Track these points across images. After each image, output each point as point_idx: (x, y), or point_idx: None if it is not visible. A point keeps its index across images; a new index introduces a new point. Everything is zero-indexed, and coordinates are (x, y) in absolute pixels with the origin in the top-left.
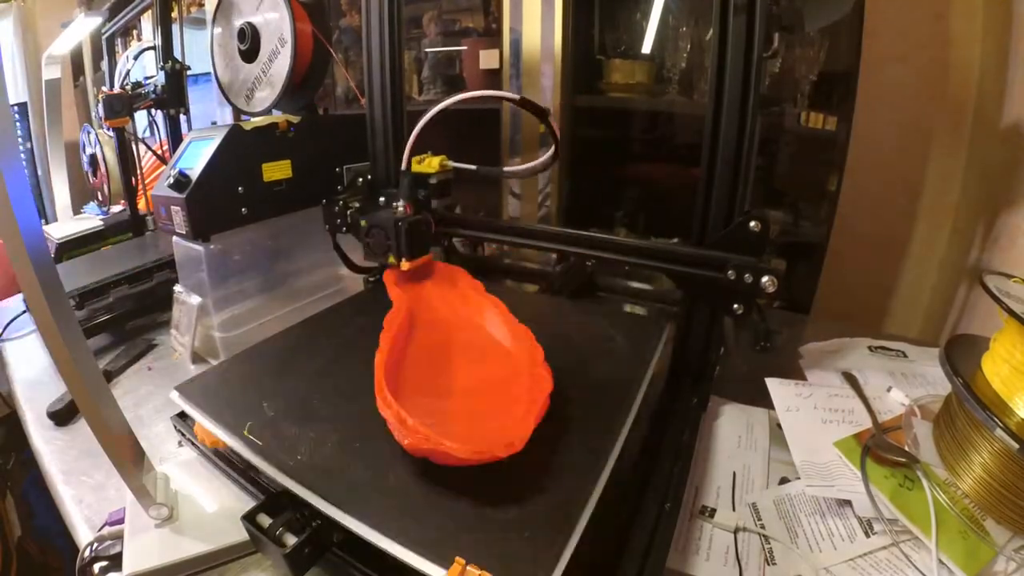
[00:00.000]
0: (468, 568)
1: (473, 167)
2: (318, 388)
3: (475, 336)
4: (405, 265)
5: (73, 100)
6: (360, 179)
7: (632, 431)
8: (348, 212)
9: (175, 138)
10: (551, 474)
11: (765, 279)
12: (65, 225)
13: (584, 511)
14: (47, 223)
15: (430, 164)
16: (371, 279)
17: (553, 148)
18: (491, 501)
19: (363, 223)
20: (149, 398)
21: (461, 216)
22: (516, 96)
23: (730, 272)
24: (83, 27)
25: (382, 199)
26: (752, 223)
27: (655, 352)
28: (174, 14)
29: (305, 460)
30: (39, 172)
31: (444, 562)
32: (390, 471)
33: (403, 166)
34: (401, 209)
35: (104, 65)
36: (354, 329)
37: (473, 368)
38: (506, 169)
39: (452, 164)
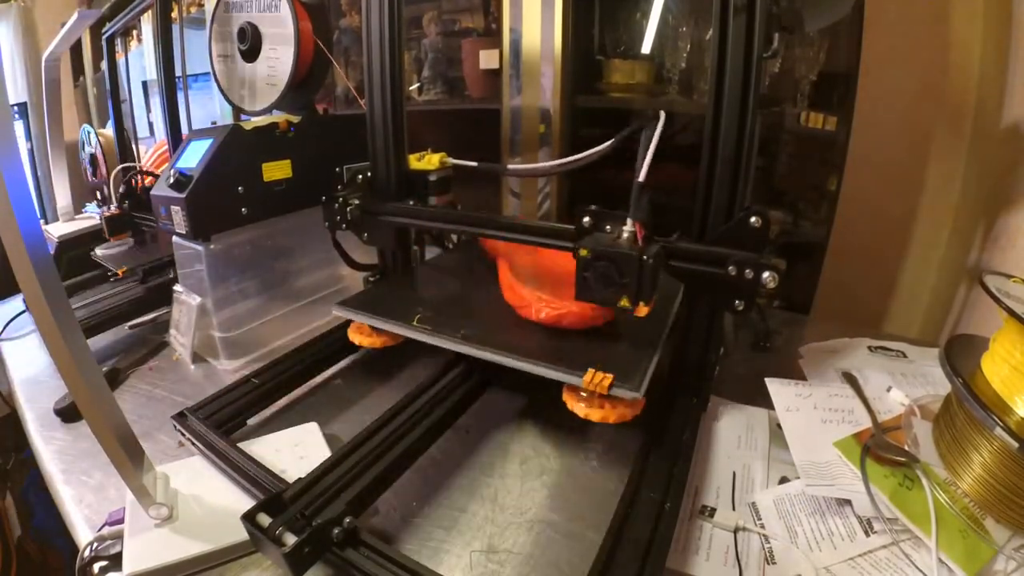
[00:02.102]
0: (596, 374)
1: (474, 164)
2: (452, 298)
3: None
4: (643, 311)
5: (73, 100)
6: (360, 176)
7: (631, 432)
8: (349, 210)
9: (175, 138)
10: (631, 332)
11: (766, 275)
12: (65, 224)
13: (657, 347)
14: (47, 223)
15: (430, 161)
16: (371, 278)
17: (567, 159)
18: (599, 345)
19: (584, 252)
20: (149, 397)
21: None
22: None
23: (731, 268)
24: (79, 25)
25: (586, 219)
26: (753, 219)
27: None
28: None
29: (467, 334)
30: (39, 172)
31: (581, 372)
32: (529, 335)
33: (640, 178)
34: (632, 232)
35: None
36: (461, 271)
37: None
38: (510, 167)
39: (452, 161)
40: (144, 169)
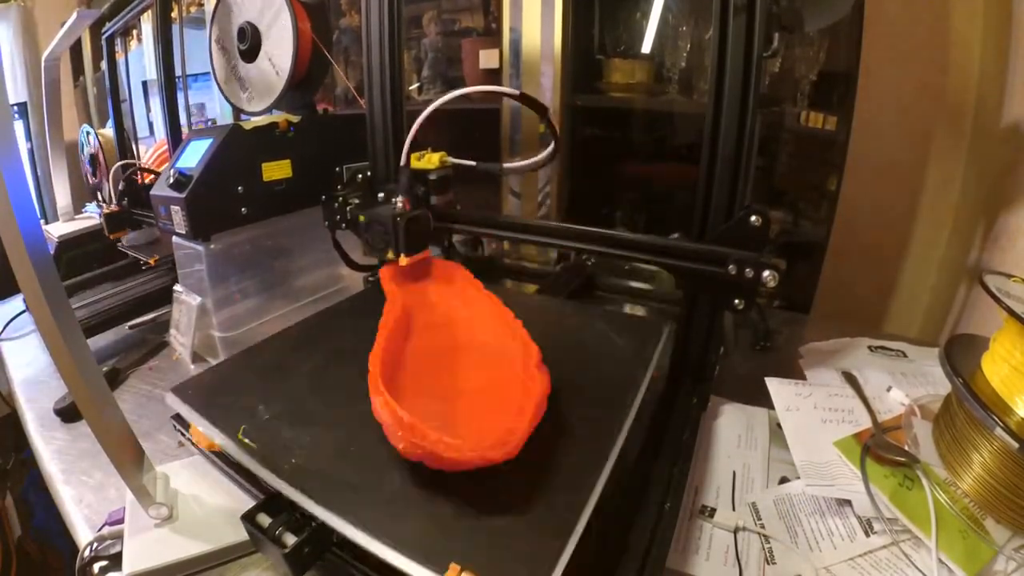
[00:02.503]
0: (463, 574)
1: (472, 163)
2: (315, 390)
3: (473, 336)
4: (403, 260)
5: (73, 100)
6: (359, 176)
7: (631, 433)
8: (348, 208)
9: (175, 138)
10: (548, 479)
11: (766, 273)
12: (65, 224)
13: (581, 517)
14: (47, 223)
15: (430, 160)
16: (371, 278)
17: (553, 144)
18: (488, 506)
19: (362, 218)
20: (149, 397)
21: (461, 212)
22: (515, 92)
23: (731, 267)
24: (79, 24)
25: (381, 195)
26: (753, 218)
27: (654, 355)
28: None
29: (300, 463)
30: (39, 172)
31: (440, 568)
32: (386, 476)
33: (402, 162)
34: (400, 205)
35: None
36: (353, 330)
37: (472, 370)
38: (505, 165)
39: (451, 160)
40: (143, 166)
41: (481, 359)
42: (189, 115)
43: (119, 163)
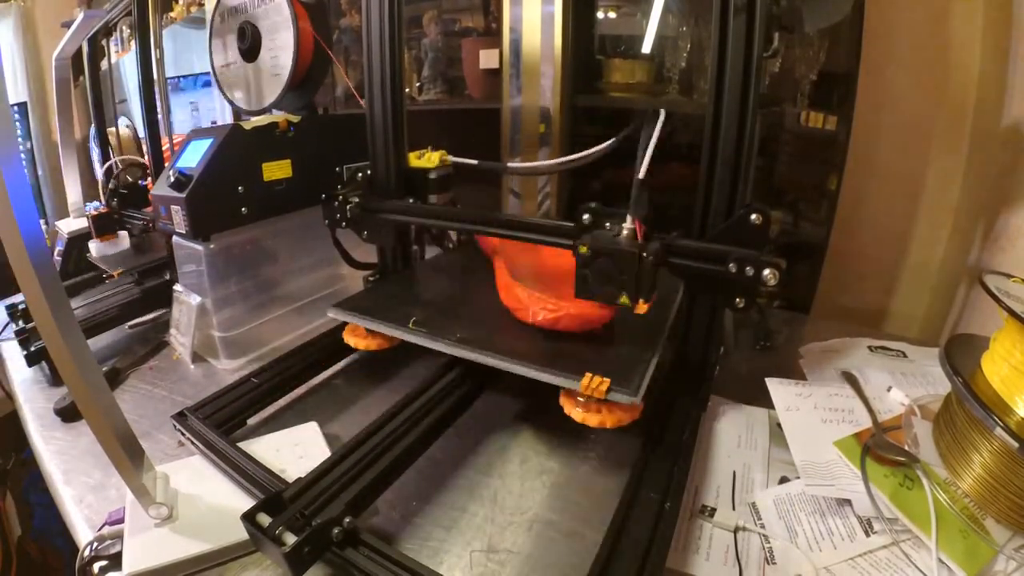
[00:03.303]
0: (593, 378)
1: (474, 162)
2: (448, 300)
3: (558, 259)
4: (642, 308)
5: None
6: (359, 174)
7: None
8: (349, 207)
9: (154, 146)
10: (629, 335)
11: (766, 272)
12: (76, 221)
13: (656, 350)
14: (47, 223)
15: (430, 159)
16: (371, 277)
17: (568, 158)
18: (597, 348)
19: (583, 249)
20: (149, 397)
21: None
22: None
23: (731, 265)
24: (86, 24)
25: (586, 216)
26: (753, 216)
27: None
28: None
29: (463, 336)
30: (39, 172)
31: (578, 377)
32: (526, 339)
33: (640, 175)
34: (631, 230)
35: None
36: (458, 272)
37: (564, 274)
38: (510, 165)
39: (452, 159)
40: (136, 160)
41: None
42: (169, 118)
43: (107, 163)
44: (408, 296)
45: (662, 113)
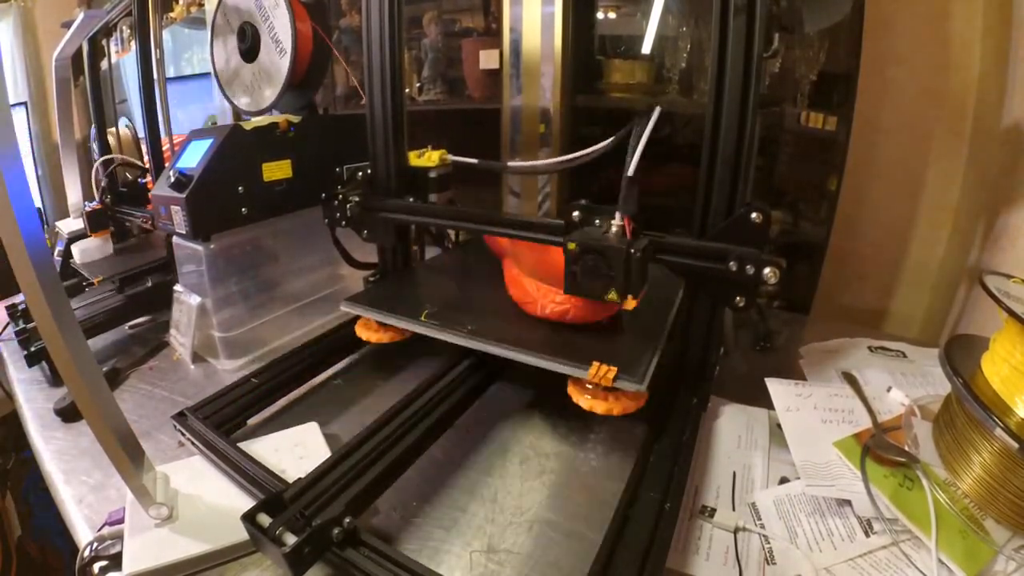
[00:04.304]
0: (600, 367)
1: (474, 161)
2: (456, 295)
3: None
4: (630, 304)
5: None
6: (360, 174)
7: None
8: (349, 207)
9: (154, 145)
10: (634, 327)
11: (767, 270)
12: (76, 221)
13: (659, 341)
14: (47, 223)
15: (430, 158)
16: (371, 277)
17: (568, 156)
18: (603, 340)
19: (572, 246)
20: (149, 397)
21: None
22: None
23: (732, 263)
24: (87, 24)
25: (576, 213)
26: (753, 215)
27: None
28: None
29: (474, 328)
30: (39, 172)
31: (585, 366)
32: (534, 330)
33: (629, 173)
34: (620, 226)
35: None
36: (463, 269)
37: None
38: (510, 164)
39: (452, 158)
40: (128, 160)
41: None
42: (168, 115)
43: (101, 159)
44: (417, 292)
45: (656, 111)
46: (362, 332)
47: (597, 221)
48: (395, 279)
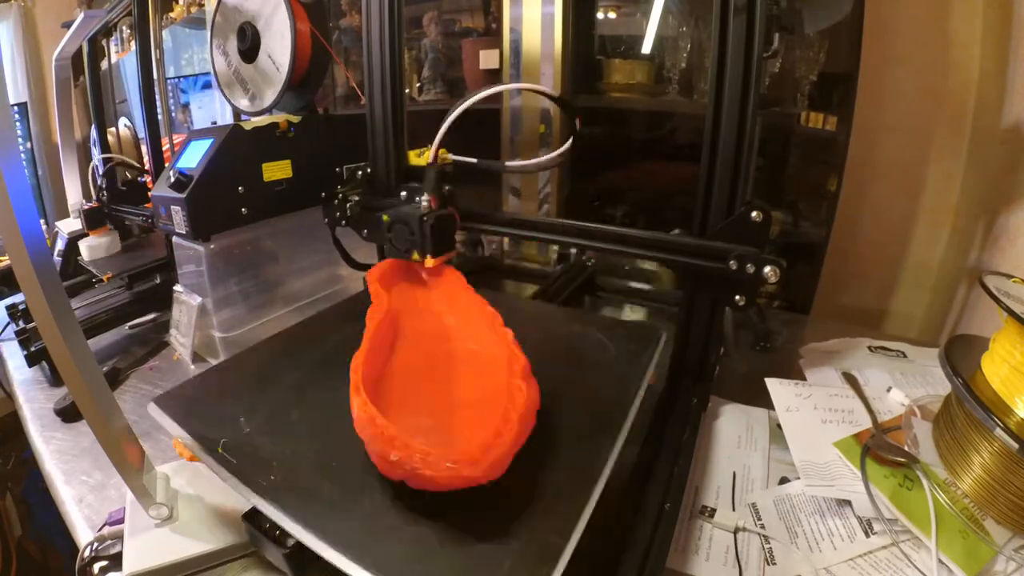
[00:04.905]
0: None
1: (473, 160)
2: (299, 401)
3: (463, 344)
4: (430, 262)
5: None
6: (360, 173)
7: (626, 442)
8: (348, 206)
9: (154, 144)
10: (536, 501)
11: (767, 269)
12: (75, 221)
13: (568, 544)
14: (47, 223)
15: (429, 157)
16: None
17: (565, 145)
18: (470, 528)
19: (385, 218)
20: (150, 397)
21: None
22: (555, 93)
23: (732, 262)
24: (87, 24)
25: (404, 194)
26: (754, 213)
27: (651, 363)
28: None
29: (278, 480)
30: (39, 172)
31: None
32: (368, 495)
33: (432, 159)
34: (426, 203)
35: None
36: (341, 337)
37: (461, 381)
38: (508, 163)
39: (452, 157)
40: (125, 160)
41: (470, 369)
42: (170, 116)
43: (98, 158)
44: (260, 383)
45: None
46: (178, 448)
47: (416, 199)
48: (247, 358)
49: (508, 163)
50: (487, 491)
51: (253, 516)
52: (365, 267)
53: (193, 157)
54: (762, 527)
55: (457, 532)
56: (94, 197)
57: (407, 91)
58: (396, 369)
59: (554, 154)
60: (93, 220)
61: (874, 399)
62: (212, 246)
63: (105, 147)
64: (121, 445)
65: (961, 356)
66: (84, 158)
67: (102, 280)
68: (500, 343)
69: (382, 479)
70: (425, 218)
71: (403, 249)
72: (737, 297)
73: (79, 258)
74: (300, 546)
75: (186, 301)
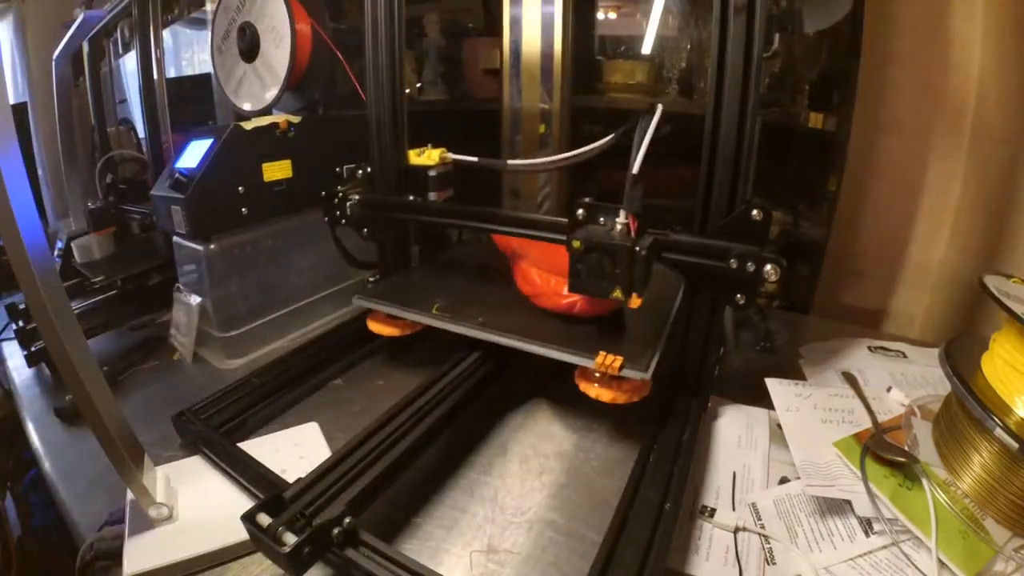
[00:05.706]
0: (607, 356)
1: (474, 159)
2: (465, 290)
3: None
4: (636, 302)
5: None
6: (360, 172)
7: (626, 444)
8: (348, 205)
9: (154, 144)
10: (638, 320)
11: (767, 267)
12: (76, 220)
13: (663, 334)
14: (47, 223)
15: (430, 156)
16: (371, 278)
17: (570, 153)
18: (608, 332)
19: (576, 244)
20: (150, 397)
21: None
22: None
23: (732, 261)
24: (87, 25)
25: (580, 211)
26: (754, 212)
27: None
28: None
29: (484, 320)
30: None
31: (592, 355)
32: (542, 323)
33: (634, 171)
34: (625, 224)
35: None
36: (469, 266)
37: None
38: (510, 162)
39: (452, 156)
40: (131, 155)
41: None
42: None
43: (105, 157)
44: (425, 287)
45: (659, 108)
46: (374, 326)
47: (601, 219)
48: (404, 275)
49: (509, 161)
50: (605, 318)
51: (253, 516)
52: (364, 265)
53: (193, 157)
54: (762, 527)
55: (600, 332)
56: (100, 196)
57: (407, 91)
58: (534, 256)
59: (552, 158)
60: (99, 220)
61: (874, 399)
62: (212, 246)
63: (105, 147)
64: (121, 445)
65: (961, 356)
66: (84, 157)
67: (94, 284)
68: None
69: (545, 315)
70: (639, 249)
71: (596, 286)
72: (738, 296)
73: (72, 260)
74: (300, 546)
75: (186, 301)
